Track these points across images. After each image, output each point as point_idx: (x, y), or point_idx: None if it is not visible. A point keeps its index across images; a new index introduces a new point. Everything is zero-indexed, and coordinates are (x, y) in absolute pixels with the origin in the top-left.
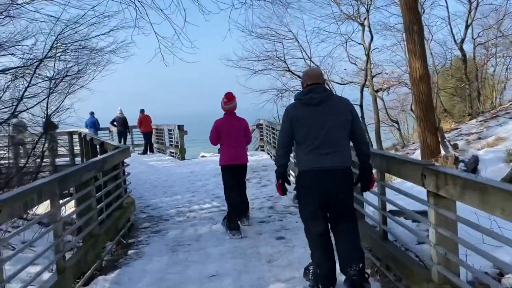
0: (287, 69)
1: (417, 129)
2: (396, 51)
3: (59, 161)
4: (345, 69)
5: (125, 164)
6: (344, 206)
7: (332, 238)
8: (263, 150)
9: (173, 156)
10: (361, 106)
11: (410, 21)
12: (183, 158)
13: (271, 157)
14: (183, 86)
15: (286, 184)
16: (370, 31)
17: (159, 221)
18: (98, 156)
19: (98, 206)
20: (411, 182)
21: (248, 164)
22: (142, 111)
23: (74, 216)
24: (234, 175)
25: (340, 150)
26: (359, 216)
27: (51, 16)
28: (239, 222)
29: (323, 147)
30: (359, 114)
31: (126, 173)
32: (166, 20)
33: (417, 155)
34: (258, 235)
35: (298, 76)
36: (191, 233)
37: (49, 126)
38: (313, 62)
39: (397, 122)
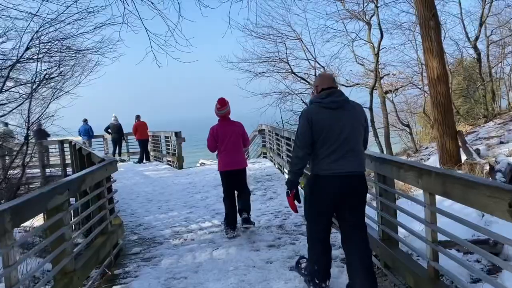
0: (290, 71)
1: (435, 133)
2: (405, 51)
3: (50, 171)
4: (350, 70)
5: (111, 180)
6: (359, 214)
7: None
8: (265, 157)
9: (170, 165)
10: (370, 109)
11: (426, 16)
12: (181, 167)
13: (274, 164)
14: (179, 90)
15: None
16: (380, 29)
17: (151, 244)
18: (85, 169)
19: (75, 235)
20: (487, 212)
21: (251, 173)
22: (137, 117)
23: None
24: (233, 180)
25: (358, 155)
26: (392, 241)
27: (30, 13)
28: (240, 216)
29: (342, 151)
30: (369, 118)
31: (112, 190)
32: (158, 16)
33: (432, 162)
34: (268, 264)
35: (302, 78)
36: (189, 262)
37: (40, 134)
38: (318, 63)
39: (408, 126)
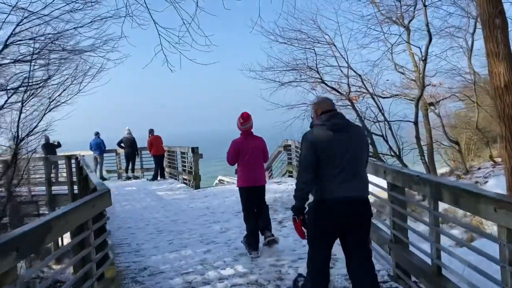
0: (320, 80)
1: (501, 152)
2: (447, 58)
3: (57, 189)
4: (387, 80)
5: (104, 217)
6: (364, 238)
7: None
8: (291, 176)
9: (186, 183)
10: (416, 123)
11: (490, 13)
12: (197, 187)
13: None
14: (197, 102)
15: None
16: (429, 31)
17: None
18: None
19: None
20: None
21: (277, 196)
22: (151, 131)
23: None
24: (252, 197)
25: (362, 178)
26: None
27: (9, 5)
28: (262, 234)
29: (346, 175)
30: (414, 133)
31: (106, 230)
32: (169, 7)
33: (492, 186)
34: None
35: (333, 88)
36: None
37: (48, 147)
38: (352, 70)
39: (457, 143)
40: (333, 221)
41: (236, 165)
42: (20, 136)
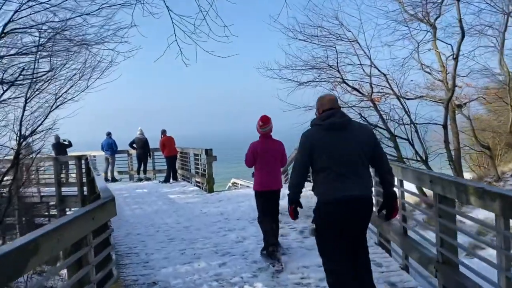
0: (340, 79)
1: None
2: (475, 58)
3: (67, 190)
4: (411, 80)
5: (108, 229)
6: (364, 236)
7: None
8: (309, 180)
9: (199, 186)
10: (445, 126)
11: None
12: (211, 190)
13: None
14: (210, 101)
15: (298, 208)
16: (461, 27)
17: None
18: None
19: None
20: None
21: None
22: (163, 132)
23: None
24: (268, 201)
25: (363, 177)
26: None
27: None
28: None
29: (347, 174)
30: (443, 137)
31: (110, 244)
32: None
33: None
34: None
35: (354, 88)
36: None
37: (58, 147)
38: (377, 69)
39: (488, 148)
40: (335, 221)
41: (253, 168)
42: (23, 135)
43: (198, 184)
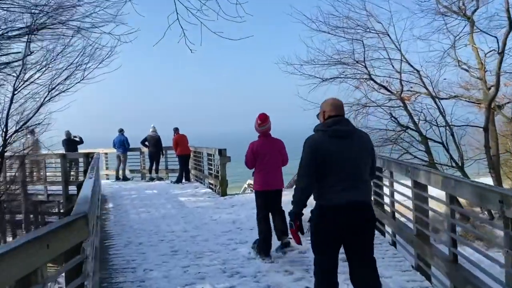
0: (367, 76)
1: None
2: None
3: (74, 189)
4: (445, 79)
5: (84, 251)
6: (368, 247)
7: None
8: None
9: (212, 189)
10: (486, 129)
11: None
12: (224, 193)
13: None
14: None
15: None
16: (509, 17)
17: None
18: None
19: None
20: None
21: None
22: (176, 130)
23: None
24: (269, 200)
25: (365, 185)
26: None
27: None
28: (279, 239)
29: (349, 181)
30: (476, 141)
31: (83, 272)
32: None
33: None
34: None
35: (382, 86)
36: None
37: (69, 144)
38: (409, 64)
39: None
40: (336, 227)
41: (254, 168)
42: (9, 130)
43: (211, 186)
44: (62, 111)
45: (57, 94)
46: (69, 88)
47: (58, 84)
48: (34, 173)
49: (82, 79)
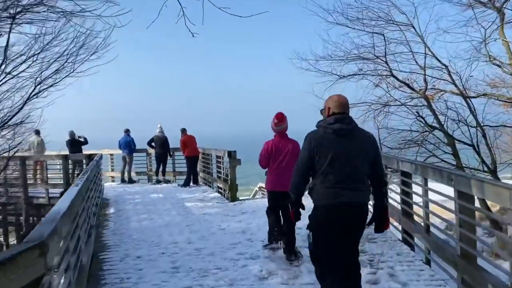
0: (389, 72)
1: None
2: None
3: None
4: (471, 76)
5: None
6: (357, 244)
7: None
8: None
9: (221, 193)
10: None
11: None
12: (233, 199)
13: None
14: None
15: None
16: None
17: None
18: None
19: None
20: None
21: None
22: (183, 131)
23: None
24: (280, 201)
25: (364, 185)
26: None
27: None
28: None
29: (349, 181)
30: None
31: None
32: None
33: None
34: None
35: (404, 83)
36: None
37: (73, 144)
38: (436, 59)
39: None
40: (336, 226)
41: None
42: None
43: (220, 190)
44: (47, 106)
45: (45, 89)
46: (57, 82)
47: (46, 78)
48: (38, 175)
49: (73, 71)
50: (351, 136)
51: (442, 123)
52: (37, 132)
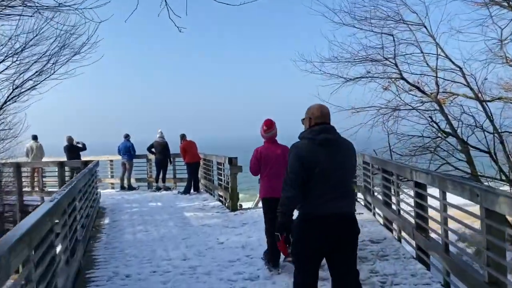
0: (398, 75)
1: None
2: None
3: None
4: (485, 78)
5: None
6: (352, 258)
7: None
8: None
9: (221, 201)
10: None
11: None
12: (234, 208)
13: (374, 215)
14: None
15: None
16: None
17: None
18: None
19: None
20: None
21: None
22: (183, 136)
23: None
24: (273, 208)
25: (351, 195)
26: None
27: None
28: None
29: (335, 191)
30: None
31: None
32: None
33: None
34: None
35: (415, 86)
36: None
37: (71, 150)
38: (450, 60)
39: None
40: (320, 237)
41: (259, 175)
42: None
43: (220, 198)
44: (24, 110)
45: (22, 92)
46: (36, 85)
47: (25, 80)
48: (36, 182)
49: (53, 73)
50: (337, 146)
51: (456, 128)
52: (35, 137)
